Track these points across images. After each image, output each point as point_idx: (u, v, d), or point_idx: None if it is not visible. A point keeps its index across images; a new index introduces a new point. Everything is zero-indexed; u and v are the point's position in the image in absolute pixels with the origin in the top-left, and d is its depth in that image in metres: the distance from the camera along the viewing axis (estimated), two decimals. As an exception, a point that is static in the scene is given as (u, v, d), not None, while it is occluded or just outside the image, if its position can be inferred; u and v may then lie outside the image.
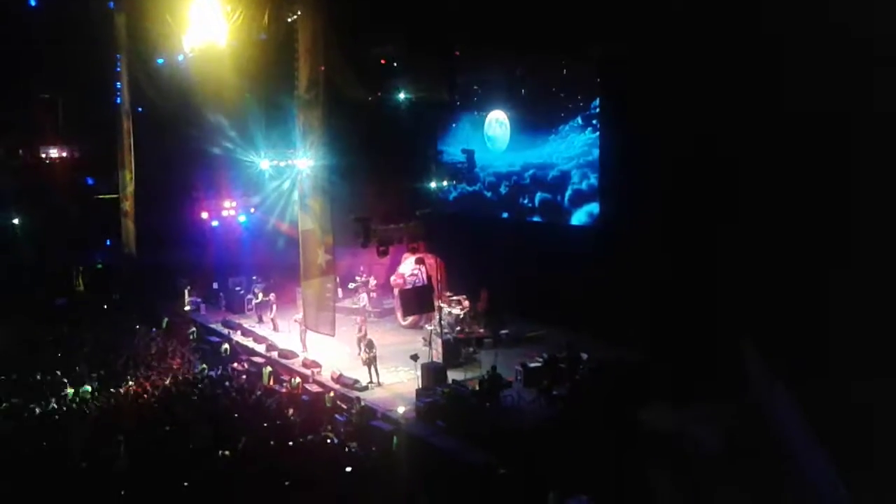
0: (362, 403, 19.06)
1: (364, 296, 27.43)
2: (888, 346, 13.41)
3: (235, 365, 23.09)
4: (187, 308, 29.68)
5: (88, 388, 20.27)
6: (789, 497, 13.25)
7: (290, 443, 16.56)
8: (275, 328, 26.35)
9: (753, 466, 14.04)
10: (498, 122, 27.20)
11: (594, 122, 23.88)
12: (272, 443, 16.52)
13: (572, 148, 24.61)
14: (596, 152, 23.88)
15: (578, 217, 24.65)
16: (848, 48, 14.91)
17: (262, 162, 28.10)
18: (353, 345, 22.58)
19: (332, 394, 20.13)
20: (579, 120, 24.31)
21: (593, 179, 24.05)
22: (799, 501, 13.13)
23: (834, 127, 15.44)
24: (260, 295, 28.21)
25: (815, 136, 16.01)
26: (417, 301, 23.59)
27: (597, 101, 23.77)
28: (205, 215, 31.67)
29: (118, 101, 33.66)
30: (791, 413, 14.40)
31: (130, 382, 20.73)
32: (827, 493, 12.45)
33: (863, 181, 15.02)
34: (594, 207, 24.05)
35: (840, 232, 15.42)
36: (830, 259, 15.44)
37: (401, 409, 18.67)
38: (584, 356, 20.28)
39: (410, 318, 25.30)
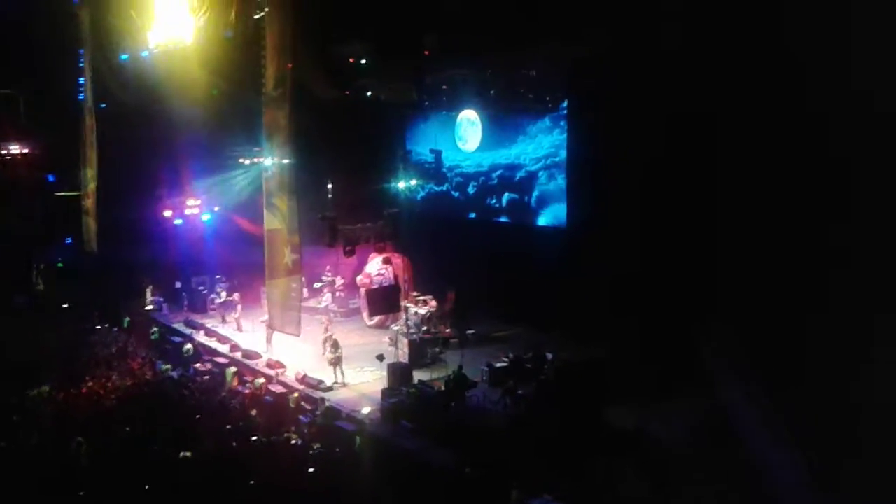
0: (327, 404, 18.93)
1: (328, 295, 27.27)
2: (852, 342, 13.59)
3: (198, 365, 22.82)
4: (149, 307, 29.28)
5: (47, 387, 19.87)
6: (754, 494, 13.35)
7: (253, 444, 16.37)
8: (238, 328, 26.07)
9: (718, 464, 14.14)
10: (469, 121, 27.16)
11: (562, 123, 23.97)
12: (234, 444, 16.31)
13: (540, 149, 24.69)
14: (563, 153, 23.97)
15: (545, 218, 24.72)
16: (819, 46, 15.08)
17: (228, 160, 27.76)
18: (318, 345, 22.40)
19: (296, 394, 19.95)
20: (547, 121, 24.39)
21: (560, 180, 24.14)
22: (764, 498, 13.23)
23: (806, 124, 15.57)
24: (223, 294, 27.94)
25: (786, 134, 16.17)
26: (384, 301, 23.49)
27: (565, 103, 23.85)
28: (168, 213, 31.30)
29: (81, 97, 33.18)
30: (754, 410, 14.54)
31: (90, 382, 20.33)
32: (791, 488, 12.58)
33: (832, 181, 15.16)
34: (561, 208, 24.12)
35: (808, 233, 15.59)
36: (797, 258, 15.60)
37: (366, 410, 18.56)
38: (550, 356, 20.33)
39: (377, 318, 25.19)
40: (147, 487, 14.28)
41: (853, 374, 13.24)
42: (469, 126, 27.18)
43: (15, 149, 38.07)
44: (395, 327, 23.20)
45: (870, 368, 13.01)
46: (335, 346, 21.10)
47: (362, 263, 26.42)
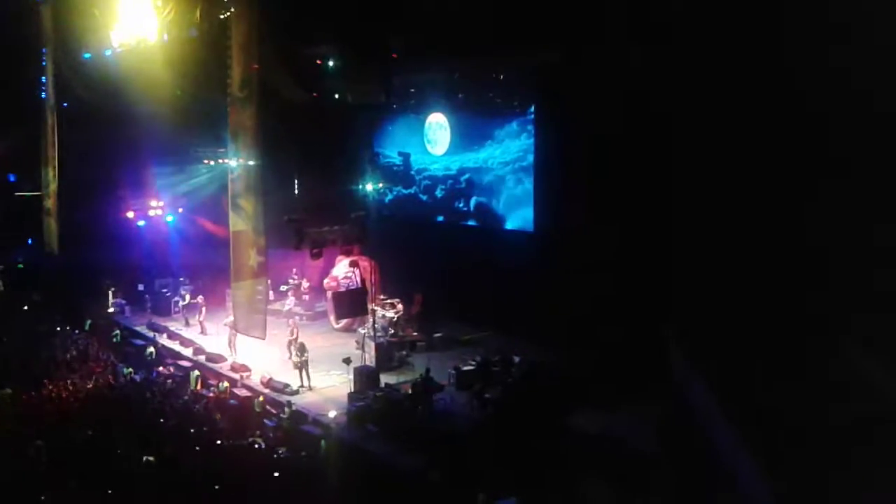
0: (293, 408, 18.78)
1: (292, 299, 27.10)
2: (812, 348, 13.76)
3: (161, 369, 22.51)
4: (111, 310, 28.92)
5: (10, 390, 19.49)
6: (717, 497, 13.48)
7: (217, 448, 16.19)
8: (202, 331, 25.79)
9: (681, 467, 14.25)
10: (439, 124, 27.13)
11: (529, 127, 24.06)
12: (198, 448, 16.11)
13: (508, 153, 24.75)
14: (531, 158, 24.05)
15: (513, 221, 24.79)
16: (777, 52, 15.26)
17: (192, 161, 27.44)
18: (283, 348, 22.23)
19: (261, 398, 19.77)
20: (515, 125, 24.46)
21: (528, 184, 24.21)
22: (726, 501, 13.36)
23: (767, 130, 15.73)
24: (187, 297, 27.63)
25: (748, 138, 16.34)
26: (351, 304, 23.41)
27: (533, 107, 23.95)
28: (131, 214, 31.03)
29: (43, 95, 32.68)
30: (715, 414, 14.67)
31: (50, 385, 19.97)
32: (752, 492, 12.70)
33: (803, 181, 15.32)
34: (528, 212, 24.19)
35: (767, 238, 15.76)
36: (757, 264, 15.77)
37: (332, 414, 18.45)
38: (517, 359, 20.38)
39: (343, 322, 25.07)
40: (109, 492, 14.07)
41: (822, 378, 13.42)
42: (438, 129, 27.17)
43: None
44: (362, 330, 23.10)
45: (841, 373, 13.18)
46: (301, 349, 20.95)
47: (329, 266, 26.28)
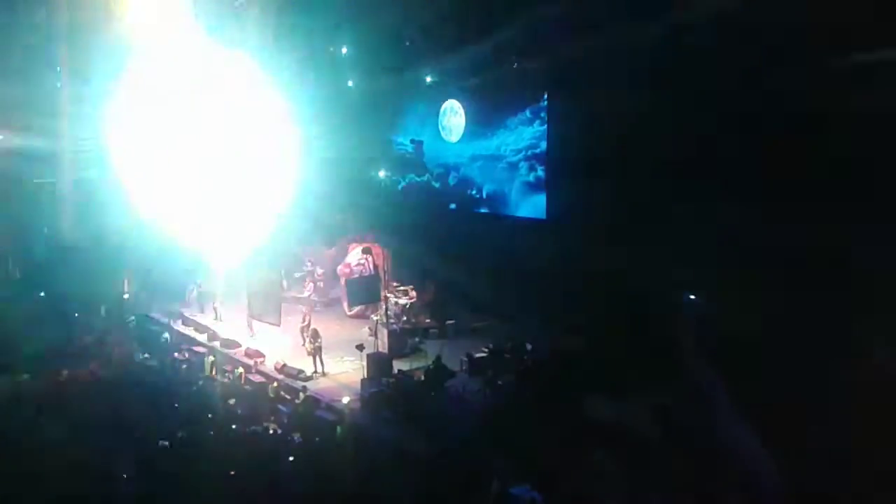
0: (307, 393, 18.94)
1: (310, 285, 27.23)
2: (816, 334, 13.79)
3: (176, 354, 22.70)
4: (127, 296, 29.03)
5: (27, 375, 19.72)
6: (723, 483, 13.52)
7: (232, 433, 16.34)
8: (217, 317, 25.95)
9: (689, 453, 14.30)
10: (453, 111, 27.10)
11: (542, 115, 24.02)
12: (213, 433, 16.27)
13: (521, 140, 24.73)
14: (544, 145, 24.03)
15: (525, 209, 24.78)
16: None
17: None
18: (297, 335, 22.38)
19: (275, 384, 19.95)
20: (528, 113, 24.43)
21: (540, 172, 24.21)
22: (733, 487, 13.40)
23: (790, 112, 15.66)
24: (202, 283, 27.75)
25: (754, 126, 16.30)
26: (364, 291, 23.54)
27: (546, 95, 23.89)
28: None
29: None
30: (723, 401, 14.69)
31: (66, 372, 20.17)
32: (759, 477, 12.75)
33: (813, 177, 15.28)
34: (541, 200, 24.20)
35: (784, 225, 15.73)
36: (767, 253, 15.76)
37: (346, 399, 18.58)
38: (529, 346, 20.43)
39: (356, 308, 25.20)
40: (125, 476, 14.23)
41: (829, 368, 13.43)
42: (453, 115, 27.16)
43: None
44: (374, 317, 23.22)
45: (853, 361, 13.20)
46: (315, 335, 21.09)
47: (342, 253, 26.40)
